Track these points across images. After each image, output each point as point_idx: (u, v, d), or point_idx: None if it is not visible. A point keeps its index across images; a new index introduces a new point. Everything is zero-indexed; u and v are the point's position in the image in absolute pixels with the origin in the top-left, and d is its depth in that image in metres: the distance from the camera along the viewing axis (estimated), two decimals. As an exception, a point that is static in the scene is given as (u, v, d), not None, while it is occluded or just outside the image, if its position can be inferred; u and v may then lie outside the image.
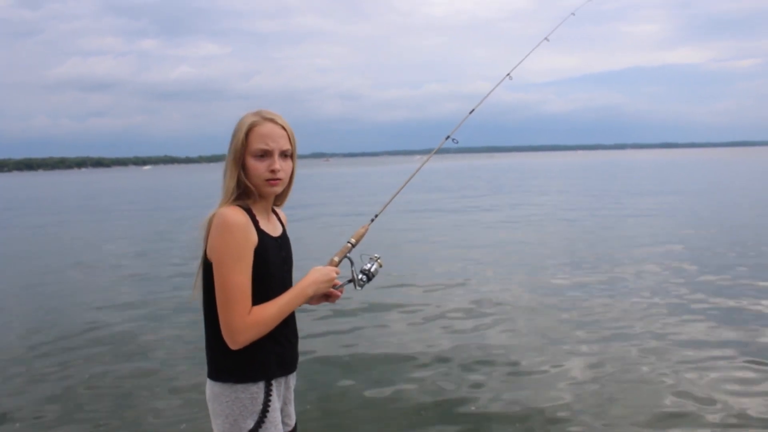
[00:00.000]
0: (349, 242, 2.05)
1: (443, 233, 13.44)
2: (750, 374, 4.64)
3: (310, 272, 1.87)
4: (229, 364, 1.73)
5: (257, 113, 1.79)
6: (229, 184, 1.77)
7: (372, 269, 2.02)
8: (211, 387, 1.78)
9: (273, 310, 1.72)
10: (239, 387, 1.73)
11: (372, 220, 2.17)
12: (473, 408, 4.18)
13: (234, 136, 1.78)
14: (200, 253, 1.78)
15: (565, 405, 4.19)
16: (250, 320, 1.67)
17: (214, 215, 1.73)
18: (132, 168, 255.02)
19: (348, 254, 2.03)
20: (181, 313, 6.99)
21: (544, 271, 8.83)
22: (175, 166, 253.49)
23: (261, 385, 1.76)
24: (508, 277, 8.59)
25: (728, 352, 5.14)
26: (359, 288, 2.00)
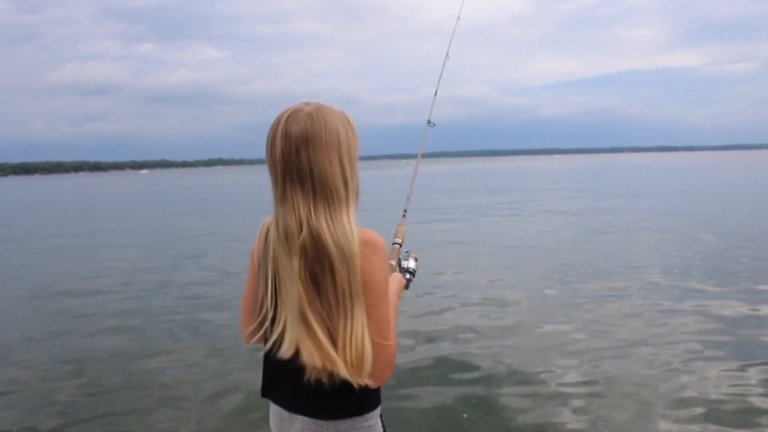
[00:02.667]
0: (396, 243, 1.99)
1: (443, 238, 13.44)
2: (749, 379, 4.66)
3: (389, 284, 1.66)
4: (366, 395, 1.58)
5: (338, 109, 1.54)
6: (356, 196, 1.52)
7: (413, 266, 1.98)
8: (334, 425, 1.58)
9: (395, 331, 1.59)
10: (368, 416, 1.61)
11: (404, 216, 2.13)
12: (464, 415, 4.17)
13: (345, 138, 1.49)
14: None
15: (560, 413, 4.18)
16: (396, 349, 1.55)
17: (362, 237, 1.46)
18: (129, 172, 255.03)
19: (399, 255, 1.98)
20: (179, 324, 6.99)
21: (543, 275, 8.84)
22: (172, 170, 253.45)
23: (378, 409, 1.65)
24: (506, 282, 8.60)
25: (726, 354, 5.16)
26: (406, 289, 1.93)
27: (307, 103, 1.51)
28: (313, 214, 1.43)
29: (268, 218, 1.52)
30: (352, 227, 1.45)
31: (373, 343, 1.47)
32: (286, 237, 1.45)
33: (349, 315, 1.45)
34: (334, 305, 1.45)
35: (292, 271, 1.45)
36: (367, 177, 51.55)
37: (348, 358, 1.46)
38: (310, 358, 1.48)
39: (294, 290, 1.46)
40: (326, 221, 1.43)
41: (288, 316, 1.50)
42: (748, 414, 4.01)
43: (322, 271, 1.44)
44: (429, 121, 2.47)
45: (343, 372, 1.47)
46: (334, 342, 1.47)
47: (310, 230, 1.43)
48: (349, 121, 1.51)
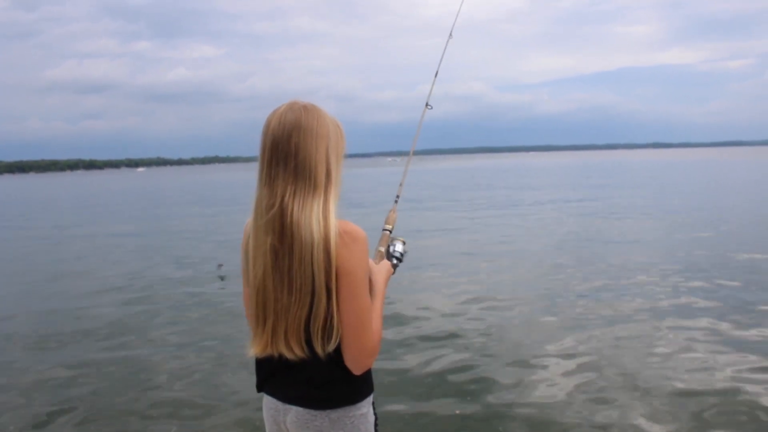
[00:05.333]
0: (385, 229, 2.00)
1: (436, 236, 13.45)
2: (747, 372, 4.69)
3: (376, 271, 1.73)
4: (358, 384, 1.63)
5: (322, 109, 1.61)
6: (338, 190, 1.58)
7: (400, 249, 1.98)
8: (327, 415, 1.61)
9: (381, 319, 1.63)
10: (360, 404, 1.65)
11: (396, 202, 2.14)
12: (457, 411, 4.18)
13: (334, 134, 1.58)
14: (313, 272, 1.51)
15: (553, 411, 4.19)
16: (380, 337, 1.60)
17: (341, 228, 1.51)
18: (125, 170, 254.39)
19: (388, 242, 1.97)
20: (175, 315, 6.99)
21: (537, 272, 8.87)
22: (168, 168, 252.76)
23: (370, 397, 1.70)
24: (496, 284, 8.61)
25: (722, 348, 5.19)
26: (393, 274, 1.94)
27: (303, 101, 1.61)
28: (287, 194, 1.50)
29: (250, 219, 1.59)
30: (327, 215, 1.50)
31: (354, 331, 1.52)
32: (260, 214, 1.53)
33: (307, 299, 1.50)
34: (288, 286, 1.50)
35: (262, 245, 1.52)
36: (362, 175, 51.49)
37: (295, 340, 1.53)
38: (268, 348, 1.57)
39: (260, 263, 1.53)
40: (298, 203, 1.49)
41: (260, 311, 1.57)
42: (744, 411, 4.04)
43: (282, 249, 1.51)
44: (427, 104, 2.43)
45: (290, 355, 1.54)
46: (291, 325, 1.53)
47: (281, 208, 1.49)
48: (339, 126, 1.61)
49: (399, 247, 1.97)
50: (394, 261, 1.94)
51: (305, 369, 1.57)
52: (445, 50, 2.56)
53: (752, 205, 17.83)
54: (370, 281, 1.65)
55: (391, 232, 2.01)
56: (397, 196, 2.18)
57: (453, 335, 5.83)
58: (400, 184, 2.21)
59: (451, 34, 2.62)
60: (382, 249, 1.95)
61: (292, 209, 1.49)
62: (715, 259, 9.16)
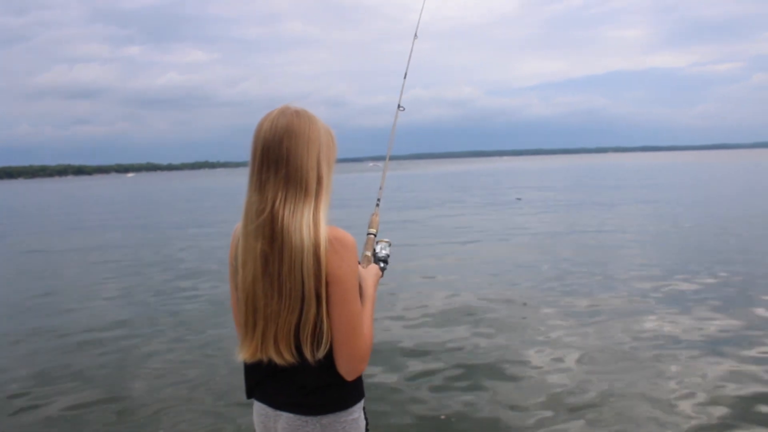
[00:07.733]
0: (370, 233, 2.01)
1: (425, 234, 13.45)
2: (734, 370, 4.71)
3: (365, 276, 1.73)
4: (348, 389, 1.63)
5: (314, 116, 1.61)
6: (329, 196, 1.59)
7: (387, 252, 1.99)
8: (318, 420, 1.61)
9: (372, 324, 1.64)
10: (351, 409, 1.65)
11: (377, 205, 2.15)
12: (442, 416, 4.15)
13: (326, 141, 1.59)
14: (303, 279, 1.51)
15: (540, 416, 4.20)
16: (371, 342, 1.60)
17: (331, 234, 1.51)
18: (114, 175, 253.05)
19: (374, 245, 1.99)
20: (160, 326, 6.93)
21: (530, 271, 8.88)
22: (158, 174, 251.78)
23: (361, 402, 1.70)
24: (482, 289, 8.61)
25: (717, 351, 5.20)
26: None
27: (296, 106, 1.60)
28: (278, 200, 1.49)
29: (239, 224, 1.58)
30: (317, 221, 1.50)
31: (345, 337, 1.52)
32: (250, 219, 1.52)
33: (296, 304, 1.49)
34: (278, 291, 1.49)
35: (252, 250, 1.51)
36: (359, 179, 51.49)
37: (286, 346, 1.52)
38: (262, 353, 1.55)
39: (249, 268, 1.52)
40: (289, 209, 1.49)
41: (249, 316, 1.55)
42: (736, 413, 4.05)
43: (272, 254, 1.50)
44: (399, 106, 2.45)
45: (280, 360, 1.53)
46: (280, 331, 1.52)
47: (272, 214, 1.49)
48: (331, 134, 1.61)
49: (385, 250, 1.99)
50: (381, 264, 1.94)
51: (296, 375, 1.57)
52: (411, 51, 2.59)
53: None
54: (360, 286, 1.64)
55: (375, 235, 2.02)
56: (378, 200, 2.19)
57: (442, 339, 5.82)
58: (380, 188, 2.24)
59: (416, 35, 2.66)
60: (369, 253, 1.94)
61: (283, 215, 1.48)
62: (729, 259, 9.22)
